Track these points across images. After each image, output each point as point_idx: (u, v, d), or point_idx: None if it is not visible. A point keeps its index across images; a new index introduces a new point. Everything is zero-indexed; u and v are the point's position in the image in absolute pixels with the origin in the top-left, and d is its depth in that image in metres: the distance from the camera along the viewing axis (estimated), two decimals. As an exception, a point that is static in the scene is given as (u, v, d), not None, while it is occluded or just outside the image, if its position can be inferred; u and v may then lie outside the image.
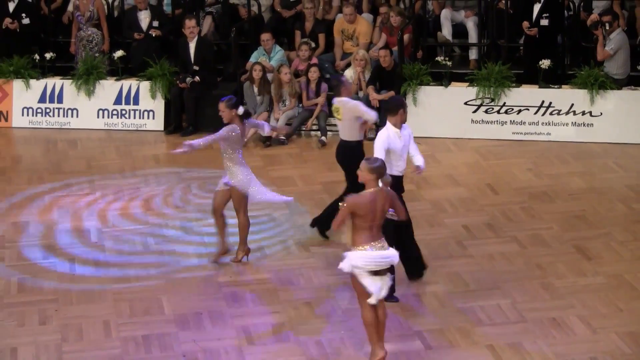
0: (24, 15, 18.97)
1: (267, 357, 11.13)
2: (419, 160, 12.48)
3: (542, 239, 13.85)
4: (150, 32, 18.59)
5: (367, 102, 17.29)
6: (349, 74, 17.90)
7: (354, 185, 13.33)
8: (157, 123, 18.49)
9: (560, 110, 17.46)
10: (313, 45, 18.36)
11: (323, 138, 17.61)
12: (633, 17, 18.30)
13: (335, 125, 17.76)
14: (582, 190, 15.52)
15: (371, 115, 13.28)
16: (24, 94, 18.77)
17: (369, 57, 17.86)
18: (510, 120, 17.63)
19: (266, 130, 13.64)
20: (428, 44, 18.83)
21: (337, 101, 13.25)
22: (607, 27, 17.18)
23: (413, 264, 12.59)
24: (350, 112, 13.16)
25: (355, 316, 11.25)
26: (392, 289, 11.55)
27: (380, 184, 10.31)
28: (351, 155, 13.05)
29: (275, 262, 13.39)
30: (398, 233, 11.86)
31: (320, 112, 17.78)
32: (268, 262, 13.41)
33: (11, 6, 19.02)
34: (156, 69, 18.33)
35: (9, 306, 12.40)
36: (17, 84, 18.78)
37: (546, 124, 17.52)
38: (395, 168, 12.07)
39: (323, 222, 13.61)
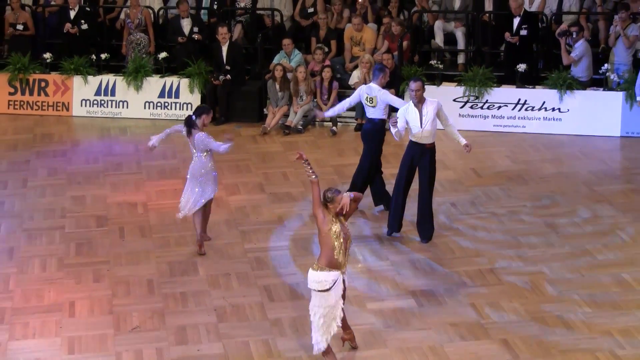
0: (82, 21, 18.92)
1: (284, 312, 11.15)
2: (462, 140, 12.86)
3: (518, 215, 13.84)
4: (193, 36, 18.54)
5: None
6: (356, 74, 17.92)
7: (370, 161, 13.36)
8: (194, 114, 18.43)
9: (534, 106, 17.43)
10: (326, 49, 18.38)
11: (334, 128, 17.58)
12: (597, 29, 18.24)
13: (344, 117, 17.83)
14: (551, 174, 15.49)
15: (399, 103, 13.51)
16: (83, 88, 18.73)
17: (373, 60, 17.79)
18: (492, 115, 17.58)
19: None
20: (423, 49, 18.80)
21: (376, 89, 13.41)
22: (574, 36, 17.18)
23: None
24: (384, 98, 13.39)
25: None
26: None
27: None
28: (374, 130, 13.52)
29: (292, 232, 13.37)
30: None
31: (331, 106, 17.66)
32: (286, 232, 13.38)
33: (72, 14, 18.96)
34: (194, 68, 18.30)
35: (68, 266, 12.40)
36: (77, 80, 18.74)
37: (522, 118, 17.49)
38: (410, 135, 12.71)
39: (382, 198, 13.83)
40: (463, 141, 12.79)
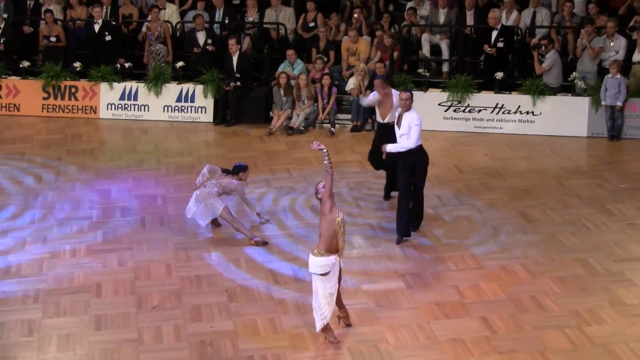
0: (106, 33, 18.87)
1: (288, 293, 11.12)
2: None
3: (495, 206, 13.81)
4: (207, 48, 18.50)
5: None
6: (352, 81, 17.89)
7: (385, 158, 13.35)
8: (207, 116, 18.39)
9: (510, 110, 17.38)
10: (325, 59, 18.33)
11: (332, 129, 17.54)
12: (566, 41, 18.22)
13: (341, 119, 17.80)
14: (525, 170, 15.46)
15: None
16: (109, 93, 18.69)
17: (367, 68, 17.76)
18: (472, 117, 17.53)
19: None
20: (412, 59, 18.73)
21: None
22: (544, 49, 17.18)
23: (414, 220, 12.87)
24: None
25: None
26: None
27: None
28: (388, 133, 13.03)
29: (295, 222, 13.34)
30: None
31: (330, 109, 17.70)
32: (289, 221, 13.35)
33: (96, 27, 18.94)
34: (208, 76, 18.26)
35: (95, 252, 12.38)
36: (103, 86, 18.70)
37: (499, 120, 17.44)
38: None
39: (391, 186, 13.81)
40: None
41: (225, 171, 12.80)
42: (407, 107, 12.27)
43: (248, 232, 12.58)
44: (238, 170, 12.81)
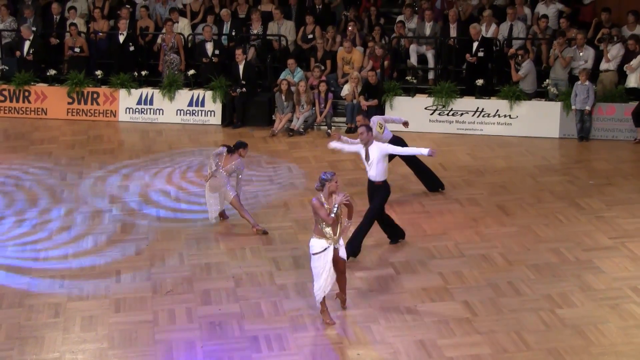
0: (130, 43, 18.85)
1: (289, 279, 11.11)
2: (423, 151, 11.49)
3: (476, 201, 13.78)
4: (212, 59, 18.46)
5: (359, 108, 17.26)
6: (347, 87, 17.87)
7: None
8: (216, 119, 18.35)
9: (490, 113, 17.35)
10: (323, 68, 18.29)
11: (329, 130, 17.50)
12: (540, 51, 18.21)
13: (337, 122, 17.78)
14: (503, 168, 15.43)
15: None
16: (127, 99, 18.65)
17: (360, 76, 17.74)
18: (455, 120, 17.49)
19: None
20: (400, 67, 18.68)
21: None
22: (520, 58, 17.16)
23: (392, 230, 12.08)
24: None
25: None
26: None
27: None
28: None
29: (295, 215, 13.31)
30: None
31: (327, 113, 17.68)
32: (290, 214, 13.34)
33: (121, 38, 18.93)
34: (216, 83, 18.21)
35: (115, 242, 12.38)
36: (122, 92, 18.66)
37: (480, 123, 17.40)
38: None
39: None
40: (425, 152, 11.39)
41: (230, 150, 12.65)
42: (365, 140, 11.35)
43: (252, 220, 12.56)
44: (239, 146, 12.71)
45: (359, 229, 11.57)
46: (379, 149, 11.44)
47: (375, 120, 13.37)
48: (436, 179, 14.17)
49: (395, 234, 12.11)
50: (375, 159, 11.45)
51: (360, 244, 11.62)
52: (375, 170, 11.51)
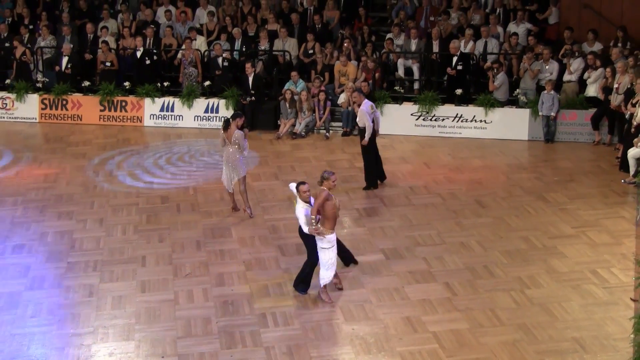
0: (146, 58, 18.78)
1: (292, 264, 11.06)
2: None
3: (455, 195, 13.73)
4: (219, 69, 18.41)
5: (354, 113, 17.21)
6: (343, 96, 17.82)
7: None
8: (229, 124, 18.32)
9: (467, 119, 17.28)
10: (322, 79, 18.24)
11: (327, 134, 17.45)
12: (511, 64, 18.15)
13: (334, 126, 17.72)
14: (479, 166, 15.38)
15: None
16: (151, 106, 18.59)
17: (354, 86, 17.66)
18: (438, 125, 17.41)
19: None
20: (389, 79, 18.63)
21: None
22: (495, 71, 17.11)
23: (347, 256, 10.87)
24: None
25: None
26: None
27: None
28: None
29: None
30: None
31: (325, 118, 17.65)
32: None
33: (138, 54, 18.85)
34: (229, 92, 18.16)
35: (141, 231, 12.35)
36: (147, 100, 18.60)
37: (459, 127, 17.33)
38: None
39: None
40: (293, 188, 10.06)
41: (227, 121, 12.43)
42: (305, 199, 9.85)
43: (247, 202, 12.55)
44: (235, 117, 12.52)
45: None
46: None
47: (368, 102, 13.68)
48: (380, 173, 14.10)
49: (348, 258, 10.86)
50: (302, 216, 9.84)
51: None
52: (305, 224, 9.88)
